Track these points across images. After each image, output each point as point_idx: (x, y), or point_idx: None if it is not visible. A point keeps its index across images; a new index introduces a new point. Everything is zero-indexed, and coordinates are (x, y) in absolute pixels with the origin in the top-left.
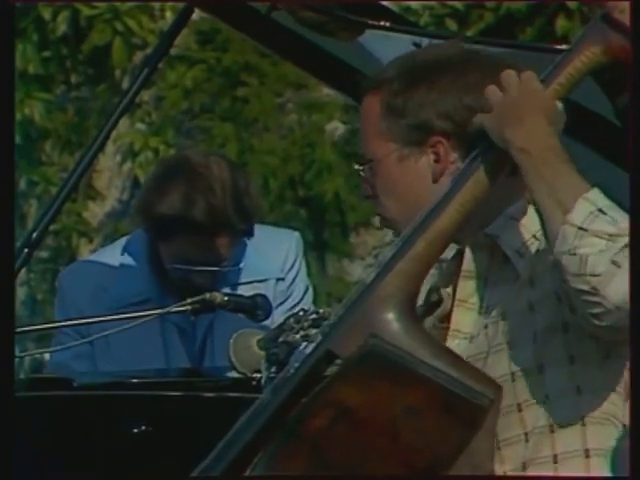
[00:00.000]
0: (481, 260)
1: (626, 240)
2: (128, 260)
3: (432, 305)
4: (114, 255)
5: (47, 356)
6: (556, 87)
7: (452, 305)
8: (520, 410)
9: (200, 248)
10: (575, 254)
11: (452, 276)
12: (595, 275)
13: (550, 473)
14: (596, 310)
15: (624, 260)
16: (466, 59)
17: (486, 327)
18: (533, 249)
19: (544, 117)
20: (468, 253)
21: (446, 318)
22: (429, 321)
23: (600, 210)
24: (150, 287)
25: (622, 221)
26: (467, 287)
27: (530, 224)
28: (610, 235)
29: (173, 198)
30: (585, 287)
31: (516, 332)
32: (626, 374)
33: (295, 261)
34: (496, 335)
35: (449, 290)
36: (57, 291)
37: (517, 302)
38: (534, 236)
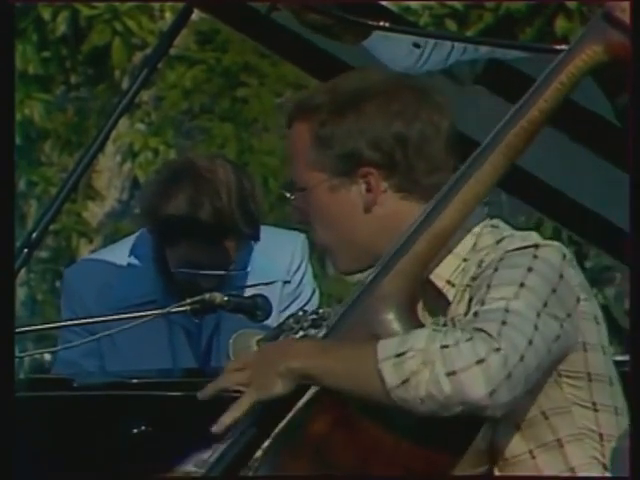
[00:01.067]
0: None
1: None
2: (135, 260)
3: None
4: (121, 254)
5: (53, 354)
6: (557, 86)
7: None
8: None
9: (206, 252)
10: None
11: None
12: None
13: None
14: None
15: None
16: (392, 85)
17: None
18: (465, 275)
19: (287, 347)
20: None
21: None
22: None
23: (398, 355)
24: (155, 289)
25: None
26: None
27: (459, 249)
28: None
29: (179, 202)
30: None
31: None
32: (589, 385)
33: (301, 263)
34: None
35: None
36: (63, 287)
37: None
38: (465, 259)
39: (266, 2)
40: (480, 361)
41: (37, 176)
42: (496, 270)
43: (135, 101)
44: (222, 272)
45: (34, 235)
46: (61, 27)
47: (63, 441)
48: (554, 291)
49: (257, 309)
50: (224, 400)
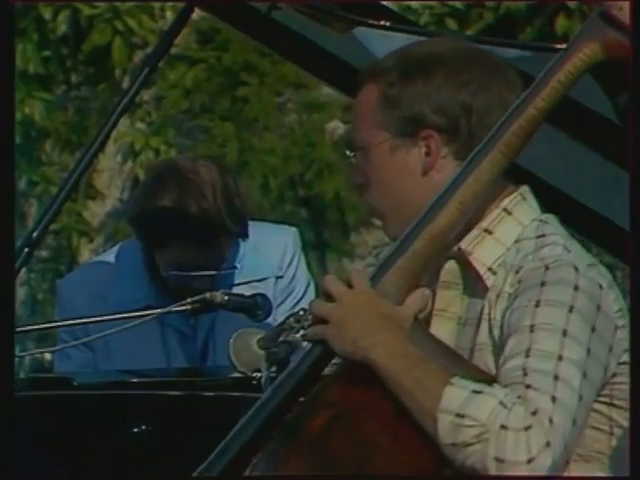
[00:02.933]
0: (458, 271)
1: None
2: (125, 267)
3: None
4: (112, 263)
5: (48, 359)
6: (555, 84)
7: (431, 313)
8: None
9: (195, 253)
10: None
11: (434, 279)
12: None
13: None
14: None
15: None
16: (464, 55)
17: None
18: (506, 267)
19: (384, 322)
20: (446, 264)
21: (425, 324)
22: None
23: (458, 415)
24: (149, 294)
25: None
26: (445, 297)
27: (504, 236)
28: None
29: (164, 205)
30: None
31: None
32: (608, 410)
33: (293, 257)
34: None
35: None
36: (56, 299)
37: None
38: (508, 249)
39: (266, 1)
40: (530, 460)
41: (37, 175)
42: (537, 305)
43: (136, 100)
44: (213, 272)
45: (34, 234)
46: (62, 26)
47: (63, 440)
48: (593, 330)
49: (257, 308)
50: (224, 399)
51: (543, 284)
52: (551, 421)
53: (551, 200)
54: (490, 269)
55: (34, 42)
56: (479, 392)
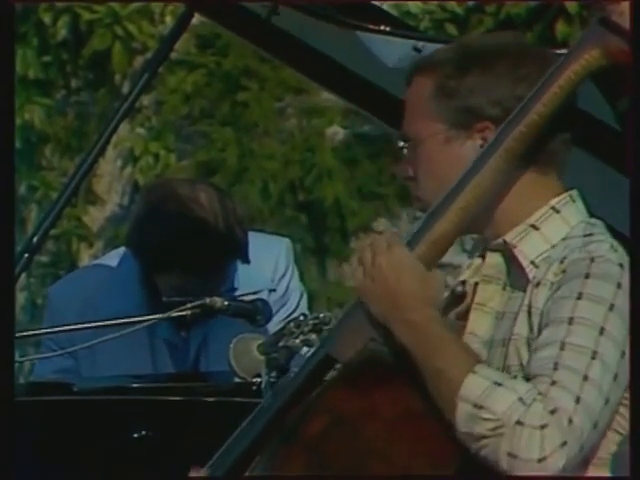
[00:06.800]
0: (501, 266)
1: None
2: (119, 278)
3: (457, 297)
4: (104, 272)
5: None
6: (556, 90)
7: (471, 306)
8: None
9: (195, 279)
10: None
11: (478, 272)
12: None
13: None
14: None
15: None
16: (522, 50)
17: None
18: (550, 261)
19: (419, 295)
20: (489, 257)
21: (464, 316)
22: (450, 315)
23: (476, 406)
24: (141, 306)
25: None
26: (486, 291)
27: (550, 233)
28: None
29: (164, 233)
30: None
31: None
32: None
33: (286, 269)
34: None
35: (472, 282)
36: (46, 305)
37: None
38: (553, 246)
39: (267, 2)
40: (542, 459)
41: (37, 180)
42: (579, 298)
43: (135, 105)
44: (211, 298)
45: (34, 240)
46: (61, 31)
47: (63, 446)
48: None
49: (257, 313)
50: (224, 405)
51: (587, 276)
52: (570, 421)
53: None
54: (533, 262)
55: (34, 47)
56: (500, 384)
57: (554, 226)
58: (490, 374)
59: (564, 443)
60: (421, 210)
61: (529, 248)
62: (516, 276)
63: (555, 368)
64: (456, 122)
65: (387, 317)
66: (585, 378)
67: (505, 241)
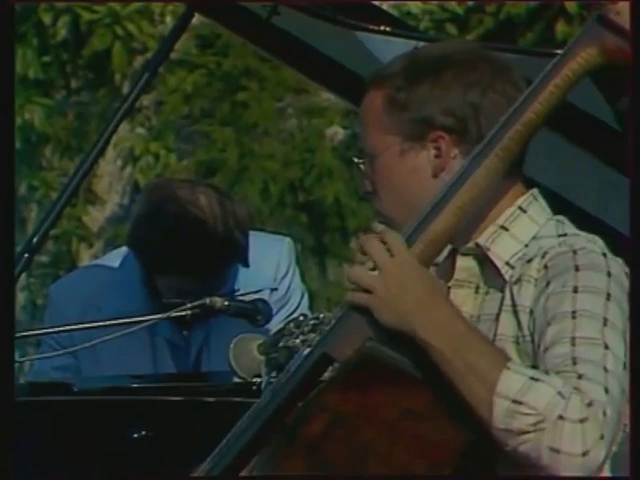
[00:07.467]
0: (473, 269)
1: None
2: (121, 278)
3: None
4: (106, 271)
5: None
6: (552, 89)
7: None
8: None
9: (196, 281)
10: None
11: (447, 278)
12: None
13: None
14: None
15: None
16: (471, 56)
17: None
18: (525, 259)
19: (432, 298)
20: (460, 261)
21: None
22: None
23: (516, 401)
24: (143, 306)
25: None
26: (458, 295)
27: (520, 234)
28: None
29: (162, 234)
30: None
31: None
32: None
33: (288, 269)
34: None
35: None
36: (47, 304)
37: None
38: (526, 245)
39: (267, 2)
40: (585, 453)
41: (37, 180)
42: (576, 291)
43: (136, 105)
44: (212, 298)
45: (34, 240)
46: (62, 31)
47: (63, 446)
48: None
49: (258, 313)
50: (224, 405)
51: (577, 269)
52: (605, 413)
53: (550, 205)
54: (508, 263)
55: (34, 47)
56: (537, 379)
57: (523, 226)
58: (523, 369)
59: (602, 436)
60: (384, 224)
61: (502, 249)
62: (491, 278)
63: (575, 362)
64: (410, 134)
65: (404, 321)
66: (605, 369)
67: (478, 244)
